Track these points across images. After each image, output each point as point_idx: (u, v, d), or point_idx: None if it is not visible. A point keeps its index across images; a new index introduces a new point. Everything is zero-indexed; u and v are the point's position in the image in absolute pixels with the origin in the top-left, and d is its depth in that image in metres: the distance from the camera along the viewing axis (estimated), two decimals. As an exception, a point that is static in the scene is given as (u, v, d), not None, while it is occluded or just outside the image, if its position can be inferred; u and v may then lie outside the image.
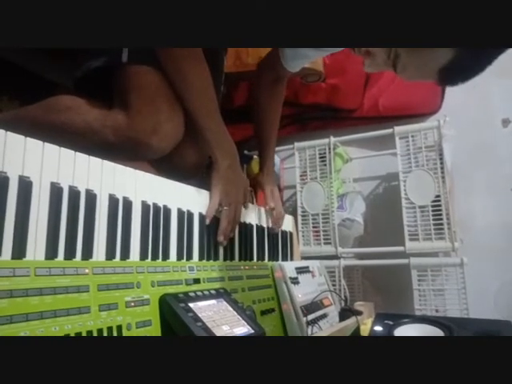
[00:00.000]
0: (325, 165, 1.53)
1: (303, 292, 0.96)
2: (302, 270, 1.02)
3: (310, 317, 0.90)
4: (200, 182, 0.84)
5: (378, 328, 0.86)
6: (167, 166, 0.93)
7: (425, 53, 0.59)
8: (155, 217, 0.67)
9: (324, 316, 0.98)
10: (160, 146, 0.78)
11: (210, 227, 0.79)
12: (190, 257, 0.73)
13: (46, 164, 0.52)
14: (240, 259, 0.89)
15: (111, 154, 0.69)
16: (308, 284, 1.02)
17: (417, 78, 0.66)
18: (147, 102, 0.78)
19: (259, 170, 1.12)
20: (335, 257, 1.46)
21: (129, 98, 0.78)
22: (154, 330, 0.59)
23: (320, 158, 1.55)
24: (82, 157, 0.57)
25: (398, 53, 0.61)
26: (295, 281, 0.96)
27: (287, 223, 1.18)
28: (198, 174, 1.01)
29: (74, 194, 0.55)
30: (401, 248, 1.36)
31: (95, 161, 0.59)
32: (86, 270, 0.53)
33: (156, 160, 0.85)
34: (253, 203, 1.02)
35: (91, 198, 0.57)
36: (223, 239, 0.80)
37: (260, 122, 1.09)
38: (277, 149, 1.67)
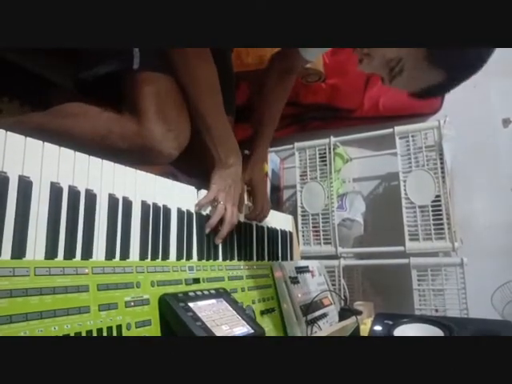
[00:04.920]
0: (325, 165, 1.54)
1: (303, 292, 0.96)
2: (301, 270, 1.02)
3: (310, 316, 0.90)
4: (200, 183, 0.84)
5: (378, 328, 0.86)
6: (185, 168, 0.93)
7: (424, 71, 0.64)
8: (155, 217, 0.67)
9: (324, 316, 0.98)
10: (170, 152, 0.79)
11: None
12: (189, 256, 0.73)
13: (46, 164, 0.52)
14: (240, 259, 0.89)
15: (120, 159, 0.69)
16: (308, 284, 1.02)
17: (401, 87, 0.71)
18: (157, 109, 0.79)
19: (248, 160, 1.02)
20: (335, 257, 1.46)
21: (138, 105, 0.79)
22: (154, 330, 0.59)
23: (320, 157, 1.55)
24: (81, 156, 0.57)
25: (403, 64, 0.65)
26: (295, 280, 0.96)
27: (287, 223, 1.18)
28: None
29: (74, 193, 0.55)
30: (401, 248, 1.36)
31: (95, 160, 0.59)
32: (86, 270, 0.53)
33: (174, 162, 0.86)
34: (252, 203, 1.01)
35: (91, 197, 0.57)
36: (209, 232, 0.79)
37: (262, 109, 1.04)
38: (277, 149, 1.69)
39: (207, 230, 0.79)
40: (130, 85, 0.82)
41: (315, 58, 1.01)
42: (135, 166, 0.67)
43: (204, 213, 0.79)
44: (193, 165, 0.99)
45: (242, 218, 0.92)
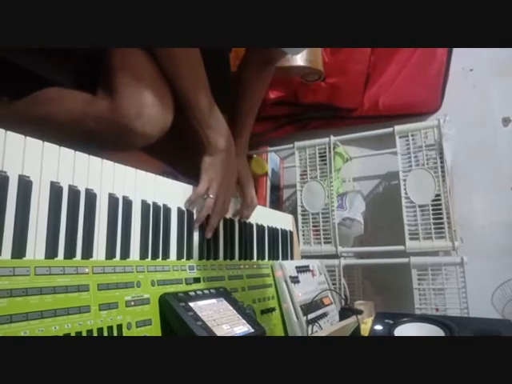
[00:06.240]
0: (325, 164, 1.53)
1: (303, 291, 0.96)
2: (302, 269, 1.02)
3: (310, 316, 0.90)
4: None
5: (378, 327, 0.86)
6: (184, 170, 0.92)
7: None
8: (155, 216, 0.67)
9: (324, 315, 0.98)
10: (145, 130, 0.71)
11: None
12: (190, 256, 0.73)
13: (46, 163, 0.52)
14: (240, 258, 0.89)
15: (96, 144, 0.66)
16: (308, 283, 1.02)
17: None
18: (131, 84, 0.72)
19: None
20: (335, 256, 1.45)
21: (111, 81, 0.73)
22: (154, 330, 0.59)
23: (320, 157, 1.55)
24: (81, 156, 0.57)
25: None
26: (295, 280, 0.96)
27: (287, 222, 1.18)
28: None
29: (74, 193, 0.55)
30: (401, 247, 1.36)
31: (95, 160, 0.59)
32: (86, 270, 0.53)
33: (173, 158, 0.83)
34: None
35: (91, 197, 0.57)
36: (198, 225, 0.76)
37: (240, 100, 0.98)
38: (277, 148, 1.69)
39: (196, 225, 0.76)
40: (104, 62, 0.76)
41: (298, 53, 0.96)
42: (118, 153, 0.63)
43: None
44: (191, 165, 0.99)
45: (230, 214, 0.90)
